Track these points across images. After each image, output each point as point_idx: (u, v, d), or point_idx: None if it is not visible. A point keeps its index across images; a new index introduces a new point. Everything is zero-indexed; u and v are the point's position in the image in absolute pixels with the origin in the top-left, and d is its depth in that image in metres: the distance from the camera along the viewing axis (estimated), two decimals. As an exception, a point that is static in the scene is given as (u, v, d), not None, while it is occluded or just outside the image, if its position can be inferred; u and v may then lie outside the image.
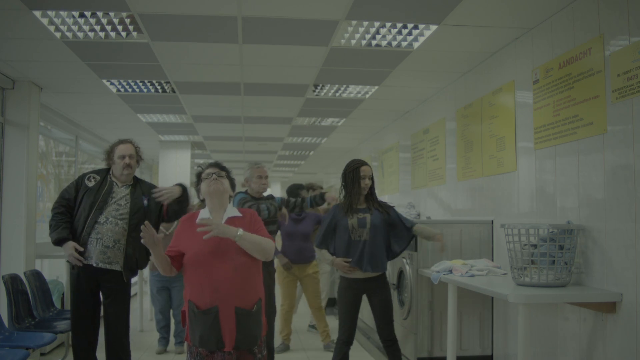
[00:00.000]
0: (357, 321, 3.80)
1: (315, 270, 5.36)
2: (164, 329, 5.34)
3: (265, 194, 4.41)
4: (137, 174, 3.90)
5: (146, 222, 2.48)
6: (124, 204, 3.64)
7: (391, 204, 3.90)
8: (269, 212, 4.11)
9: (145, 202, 3.72)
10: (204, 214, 2.66)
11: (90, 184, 3.68)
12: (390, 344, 3.70)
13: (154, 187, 3.82)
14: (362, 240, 3.61)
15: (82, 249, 3.54)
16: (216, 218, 2.62)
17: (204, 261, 2.51)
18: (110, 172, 3.77)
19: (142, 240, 2.47)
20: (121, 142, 3.80)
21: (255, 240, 2.55)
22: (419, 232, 3.79)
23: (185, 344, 2.59)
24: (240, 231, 2.49)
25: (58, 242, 3.59)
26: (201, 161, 12.33)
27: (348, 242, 3.62)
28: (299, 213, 5.23)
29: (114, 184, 3.71)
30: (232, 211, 2.69)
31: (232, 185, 2.79)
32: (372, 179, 3.71)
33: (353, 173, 3.66)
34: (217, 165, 2.78)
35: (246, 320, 2.52)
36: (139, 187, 3.78)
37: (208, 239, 2.47)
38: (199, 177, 2.76)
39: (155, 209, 3.73)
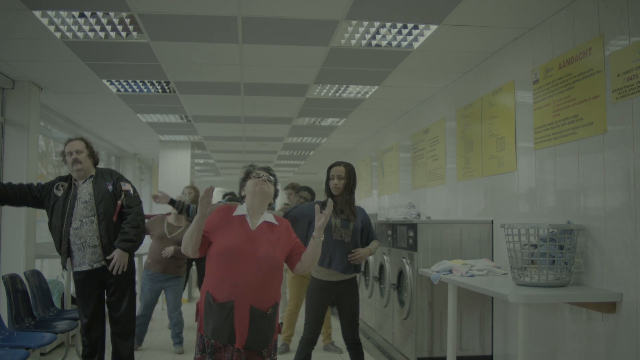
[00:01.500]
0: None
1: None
2: (140, 326, 5.31)
3: None
4: (138, 174, 3.91)
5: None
6: (89, 198, 3.64)
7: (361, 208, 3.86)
8: None
9: (110, 187, 3.70)
10: (240, 210, 2.67)
11: (59, 192, 3.69)
12: (354, 346, 3.73)
13: (116, 173, 3.84)
14: (343, 241, 3.60)
15: None
16: (253, 218, 2.65)
17: (230, 255, 2.53)
18: (72, 177, 3.77)
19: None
20: (70, 140, 3.80)
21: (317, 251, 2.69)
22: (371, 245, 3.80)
23: (198, 334, 2.60)
24: (317, 238, 2.65)
25: None
26: (201, 161, 12.34)
27: (328, 241, 3.54)
28: None
29: (76, 184, 3.71)
30: (269, 216, 2.71)
31: (275, 194, 2.80)
32: (346, 179, 3.62)
33: (327, 173, 3.69)
34: (269, 170, 2.79)
35: (260, 321, 2.53)
36: (101, 175, 3.77)
37: (241, 236, 2.55)
38: (248, 174, 2.76)
39: (118, 194, 3.73)
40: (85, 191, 3.66)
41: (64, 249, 3.59)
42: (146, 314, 5.33)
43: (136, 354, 5.07)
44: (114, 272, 3.64)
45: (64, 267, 3.67)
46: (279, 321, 5.09)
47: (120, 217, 3.69)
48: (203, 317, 2.55)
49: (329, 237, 3.56)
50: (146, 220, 5.06)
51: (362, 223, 3.72)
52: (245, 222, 2.63)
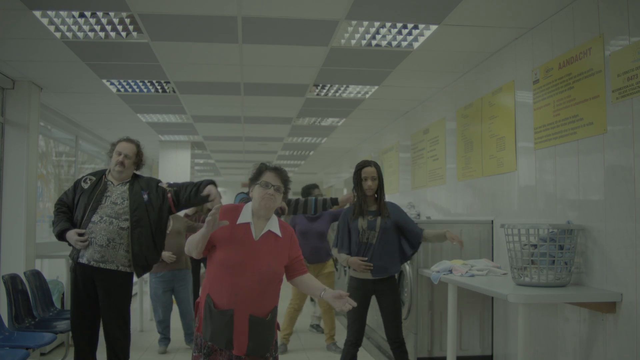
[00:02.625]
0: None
1: (331, 270, 5.31)
2: (166, 329, 5.33)
3: None
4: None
5: (216, 207, 2.45)
6: (120, 202, 3.61)
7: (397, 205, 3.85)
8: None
9: (145, 196, 3.68)
10: (246, 212, 2.61)
11: (86, 185, 3.67)
12: (397, 345, 3.66)
13: (154, 180, 3.81)
14: (369, 243, 3.59)
15: (83, 232, 3.52)
16: (257, 224, 2.59)
17: (232, 266, 2.48)
18: (107, 172, 3.76)
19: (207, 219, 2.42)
20: (126, 140, 3.78)
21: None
22: (429, 237, 3.68)
23: (196, 333, 2.59)
24: (323, 292, 2.56)
25: (61, 234, 3.58)
26: (201, 161, 12.34)
27: (358, 244, 3.61)
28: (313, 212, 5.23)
29: (109, 182, 3.69)
30: (274, 225, 2.63)
31: (286, 195, 2.70)
32: (378, 179, 3.64)
33: (356, 175, 3.64)
34: (281, 174, 2.63)
35: (259, 328, 2.52)
36: (137, 183, 3.74)
37: (244, 247, 2.50)
38: (258, 176, 2.65)
39: (158, 202, 3.69)
40: (118, 193, 3.65)
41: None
42: (165, 319, 5.32)
43: (136, 354, 5.07)
44: (214, 204, 3.54)
45: (72, 257, 3.62)
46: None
47: (163, 223, 3.73)
48: (202, 319, 2.54)
49: (357, 240, 3.60)
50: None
51: (396, 220, 3.65)
52: (249, 231, 2.57)
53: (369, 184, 3.60)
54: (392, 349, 3.70)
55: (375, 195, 3.66)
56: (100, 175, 3.74)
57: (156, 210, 3.67)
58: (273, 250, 2.58)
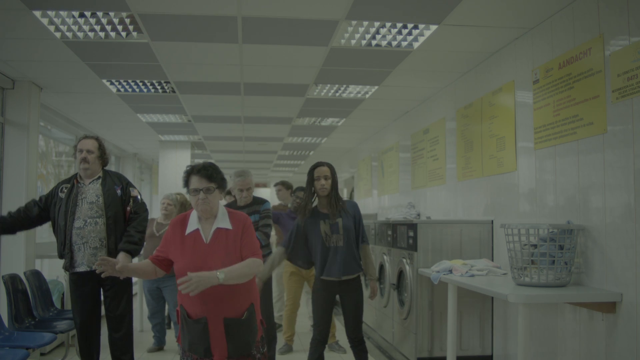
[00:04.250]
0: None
1: None
2: (156, 327, 5.34)
3: (257, 197, 4.32)
4: (138, 174, 3.90)
5: (101, 257, 2.48)
6: (96, 200, 3.61)
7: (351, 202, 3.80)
8: (262, 241, 4.09)
9: (119, 191, 3.68)
10: (193, 220, 2.57)
11: (62, 194, 3.67)
12: (357, 343, 3.71)
13: (125, 179, 3.81)
14: (337, 246, 3.54)
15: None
16: (205, 227, 2.55)
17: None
18: (77, 175, 3.74)
19: (102, 275, 2.47)
20: (84, 137, 3.76)
21: (240, 272, 2.42)
22: (364, 257, 3.70)
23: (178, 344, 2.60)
24: (221, 274, 2.33)
25: None
26: (201, 161, 12.32)
27: (322, 249, 3.54)
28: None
29: (81, 184, 3.68)
30: (223, 219, 2.56)
31: (223, 186, 2.61)
32: (331, 178, 3.56)
33: (309, 175, 3.59)
34: (205, 173, 2.53)
35: (236, 329, 2.49)
36: (109, 177, 3.74)
37: (196, 253, 2.47)
38: (187, 181, 2.57)
39: (127, 199, 3.71)
40: (91, 192, 3.64)
41: (68, 250, 3.56)
42: (154, 315, 5.34)
43: (136, 354, 5.07)
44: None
45: (66, 269, 3.65)
46: (275, 321, 5.11)
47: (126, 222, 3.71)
48: (180, 329, 2.54)
49: (321, 246, 3.54)
50: None
51: (354, 216, 3.64)
52: (199, 236, 2.53)
53: (322, 183, 3.53)
54: (352, 346, 3.72)
55: (329, 197, 3.57)
56: (72, 180, 3.72)
57: (125, 206, 3.69)
58: (226, 246, 2.51)
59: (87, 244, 3.54)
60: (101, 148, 3.75)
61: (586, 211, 3.22)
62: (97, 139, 3.78)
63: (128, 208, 3.70)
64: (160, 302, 5.36)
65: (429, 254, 4.43)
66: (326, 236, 3.54)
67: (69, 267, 3.59)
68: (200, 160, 3.00)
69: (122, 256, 3.58)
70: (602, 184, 3.08)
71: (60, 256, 3.64)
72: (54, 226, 3.69)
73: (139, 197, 3.81)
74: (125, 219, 3.70)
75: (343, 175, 11.58)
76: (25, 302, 4.26)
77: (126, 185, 3.76)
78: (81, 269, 3.56)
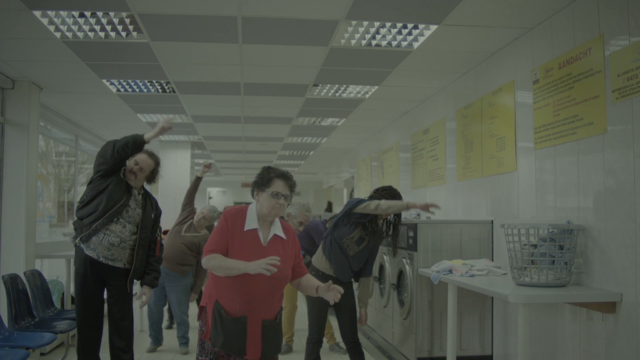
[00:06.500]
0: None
1: None
2: (153, 326, 5.35)
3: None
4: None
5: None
6: (133, 207, 3.70)
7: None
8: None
9: (153, 216, 3.82)
10: (251, 218, 2.59)
11: (121, 178, 3.69)
12: (353, 345, 3.75)
13: (159, 208, 3.94)
14: (350, 254, 3.77)
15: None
16: (263, 229, 2.60)
17: (245, 274, 2.44)
18: (122, 171, 3.74)
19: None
20: (148, 153, 3.81)
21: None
22: (361, 284, 3.96)
23: (199, 339, 2.59)
24: (318, 288, 2.60)
25: (138, 138, 3.53)
26: (201, 161, 12.32)
27: (343, 253, 3.76)
28: None
29: (133, 188, 3.75)
30: (278, 227, 2.65)
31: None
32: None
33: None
34: (290, 182, 2.64)
35: (271, 330, 2.55)
36: (149, 200, 3.84)
37: (254, 253, 2.50)
38: (265, 183, 2.61)
39: (156, 227, 3.87)
40: (136, 201, 3.74)
41: (93, 230, 3.54)
42: (152, 315, 5.34)
43: (135, 354, 5.07)
44: (141, 307, 3.95)
45: (80, 240, 3.58)
46: None
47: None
48: (212, 326, 2.51)
49: (339, 250, 3.73)
50: None
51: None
52: (257, 237, 2.57)
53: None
54: (349, 349, 3.77)
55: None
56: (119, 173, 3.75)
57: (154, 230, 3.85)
58: (281, 254, 2.57)
59: (107, 237, 3.58)
60: (154, 171, 3.86)
61: (586, 211, 3.22)
62: (157, 162, 3.88)
63: (157, 237, 3.86)
64: (159, 301, 5.35)
65: (429, 254, 4.43)
66: (351, 244, 3.79)
67: (85, 239, 3.58)
68: (200, 161, 3.04)
69: (147, 290, 3.79)
70: (602, 184, 3.08)
71: (80, 226, 3.63)
72: (93, 198, 3.61)
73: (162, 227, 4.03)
74: (149, 242, 3.82)
75: (343, 175, 11.59)
76: (25, 302, 4.26)
77: (159, 214, 3.91)
78: (92, 254, 3.57)
